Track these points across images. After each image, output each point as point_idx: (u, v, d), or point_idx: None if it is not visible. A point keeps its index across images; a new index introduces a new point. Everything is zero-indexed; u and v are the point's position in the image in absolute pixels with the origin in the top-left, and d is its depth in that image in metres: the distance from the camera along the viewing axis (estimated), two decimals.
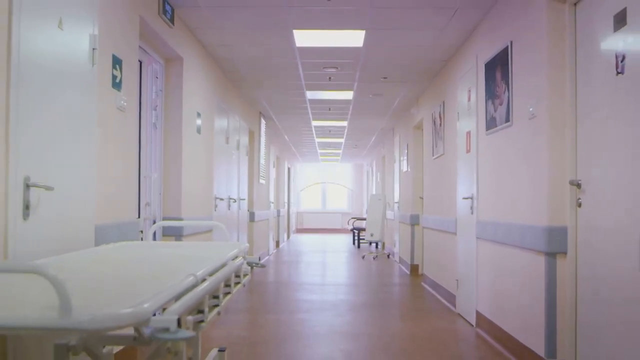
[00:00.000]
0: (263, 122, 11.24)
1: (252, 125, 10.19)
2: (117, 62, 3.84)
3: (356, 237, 17.14)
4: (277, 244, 15.39)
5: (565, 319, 3.73)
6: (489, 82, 5.08)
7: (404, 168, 10.66)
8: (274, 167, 14.09)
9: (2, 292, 1.68)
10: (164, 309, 1.82)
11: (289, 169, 19.32)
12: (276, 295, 7.33)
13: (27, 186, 2.67)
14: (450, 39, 6.04)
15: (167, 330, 1.51)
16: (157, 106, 5.47)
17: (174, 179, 5.53)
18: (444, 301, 7.00)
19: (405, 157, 10.49)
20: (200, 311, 2.03)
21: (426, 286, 8.27)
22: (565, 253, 3.73)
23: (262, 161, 11.39)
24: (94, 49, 3.38)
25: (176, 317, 1.52)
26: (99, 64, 3.52)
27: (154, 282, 1.87)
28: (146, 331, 1.57)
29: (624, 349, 3.05)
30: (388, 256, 13.15)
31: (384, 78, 7.87)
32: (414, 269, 9.78)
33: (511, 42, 4.52)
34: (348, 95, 9.06)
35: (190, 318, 1.85)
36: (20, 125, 2.62)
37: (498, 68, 4.84)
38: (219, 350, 2.95)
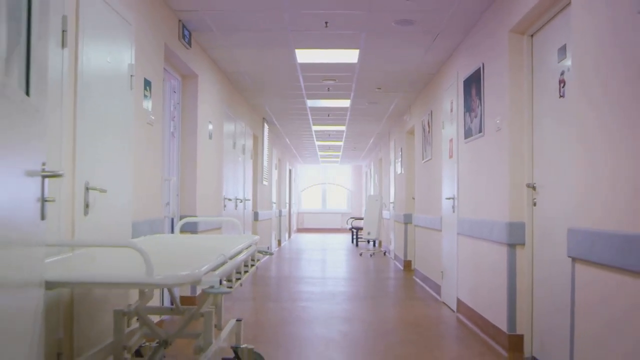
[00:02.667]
0: (266, 127, 11.96)
1: (256, 130, 10.92)
2: (147, 84, 4.57)
3: (354, 236, 17.86)
4: (279, 242, 16.11)
5: (523, 299, 4.46)
6: (467, 96, 5.81)
7: (399, 170, 11.39)
8: (275, 169, 14.81)
9: (96, 262, 2.41)
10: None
11: (290, 170, 20.04)
12: (279, 288, 8.05)
13: (87, 189, 3.39)
14: (435, 56, 6.76)
15: (212, 287, 2.23)
16: (174, 117, 6.20)
17: (190, 181, 6.25)
18: (431, 291, 7.73)
19: (400, 160, 11.21)
20: (229, 280, 2.76)
21: (417, 279, 9.00)
22: (523, 244, 4.45)
23: (265, 164, 12.12)
24: (131, 75, 4.10)
25: (218, 278, 2.24)
26: (134, 87, 4.24)
27: (196, 259, 2.60)
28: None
29: (564, 321, 3.77)
30: (384, 253, 13.87)
31: (378, 88, 8.59)
32: (407, 264, 10.50)
33: (483, 64, 5.24)
34: (345, 103, 9.79)
35: (224, 283, 2.55)
36: (82, 140, 3.34)
37: (473, 85, 5.56)
38: (236, 320, 3.67)
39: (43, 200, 1.97)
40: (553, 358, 3.99)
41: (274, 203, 14.31)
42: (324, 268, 10.76)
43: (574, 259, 3.25)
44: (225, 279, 2.71)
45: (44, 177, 1.94)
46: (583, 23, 3.21)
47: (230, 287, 2.68)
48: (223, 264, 2.71)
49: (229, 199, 8.18)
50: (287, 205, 19.39)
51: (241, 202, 9.27)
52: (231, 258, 3.02)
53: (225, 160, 7.94)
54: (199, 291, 6.32)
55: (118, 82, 3.88)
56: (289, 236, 20.20)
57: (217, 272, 2.36)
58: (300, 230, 25.42)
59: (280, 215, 16.04)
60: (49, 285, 2.09)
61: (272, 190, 13.66)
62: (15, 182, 1.63)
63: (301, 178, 25.27)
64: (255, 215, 11.12)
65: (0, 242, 1.49)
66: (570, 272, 3.31)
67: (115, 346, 3.02)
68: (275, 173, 14.50)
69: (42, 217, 1.98)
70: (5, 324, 1.56)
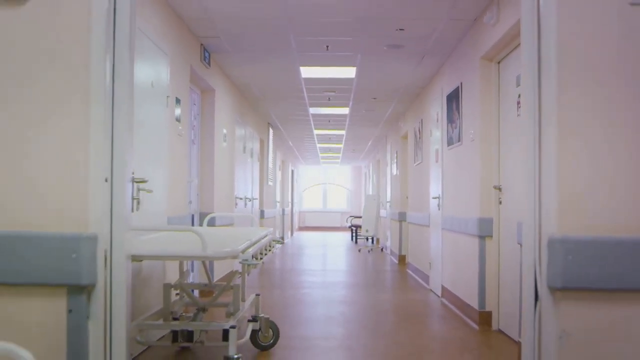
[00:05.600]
0: (271, 131, 12.86)
1: (262, 134, 11.82)
2: (177, 101, 5.46)
3: (354, 234, 18.76)
4: (282, 239, 17.00)
5: (491, 281, 5.35)
6: (449, 109, 6.70)
7: (394, 171, 12.28)
8: (279, 170, 15.72)
9: (163, 243, 3.30)
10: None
11: (292, 171, 20.94)
12: (282, 278, 8.95)
13: (138, 189, 4.29)
14: (424, 73, 7.66)
15: (246, 260, 3.12)
16: (194, 126, 7.09)
17: (208, 183, 7.15)
18: (420, 281, 8.63)
19: (395, 162, 12.10)
20: (255, 258, 3.65)
21: (409, 271, 9.90)
22: (491, 236, 5.35)
23: (270, 165, 13.02)
24: (167, 96, 5.00)
25: (251, 254, 3.13)
26: (169, 105, 5.13)
27: (230, 242, 3.49)
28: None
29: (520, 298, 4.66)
30: (381, 250, 14.77)
31: (374, 98, 9.50)
32: (402, 259, 11.39)
33: (461, 83, 6.13)
34: (345, 110, 10.69)
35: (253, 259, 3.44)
36: (135, 150, 4.23)
37: (454, 100, 6.45)
38: (256, 295, 4.57)
39: (133, 199, 2.87)
40: (514, 330, 4.88)
41: (278, 202, 15.20)
42: (325, 262, 11.66)
43: (521, 245, 4.14)
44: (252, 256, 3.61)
45: (134, 181, 2.84)
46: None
47: (257, 263, 3.57)
48: (250, 246, 3.60)
49: (240, 198, 9.08)
50: (290, 204, 20.28)
51: (250, 201, 10.17)
52: (254, 243, 3.91)
53: (237, 163, 8.83)
54: (216, 277, 7.21)
55: (157, 102, 4.77)
56: (291, 234, 21.09)
57: (250, 249, 3.25)
58: (302, 228, 26.31)
59: (283, 213, 16.93)
60: (134, 258, 2.98)
61: (276, 190, 14.55)
62: (127, 187, 2.53)
63: (303, 178, 26.16)
64: (262, 214, 12.01)
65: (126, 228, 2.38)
66: (519, 256, 4.20)
67: (165, 312, 3.91)
68: (279, 174, 15.40)
69: (132, 210, 2.87)
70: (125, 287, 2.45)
